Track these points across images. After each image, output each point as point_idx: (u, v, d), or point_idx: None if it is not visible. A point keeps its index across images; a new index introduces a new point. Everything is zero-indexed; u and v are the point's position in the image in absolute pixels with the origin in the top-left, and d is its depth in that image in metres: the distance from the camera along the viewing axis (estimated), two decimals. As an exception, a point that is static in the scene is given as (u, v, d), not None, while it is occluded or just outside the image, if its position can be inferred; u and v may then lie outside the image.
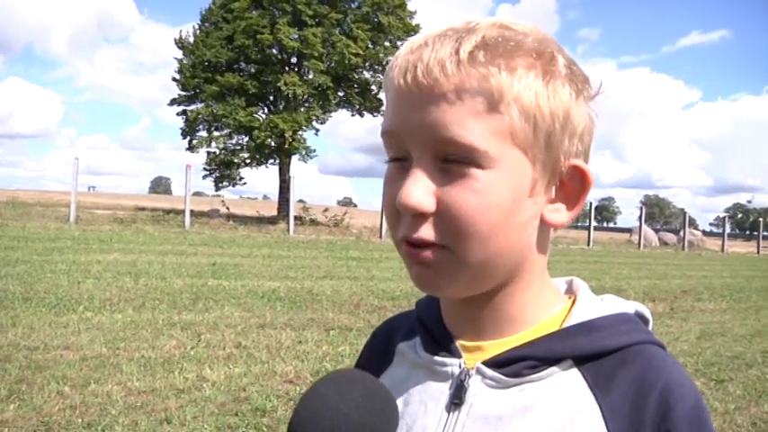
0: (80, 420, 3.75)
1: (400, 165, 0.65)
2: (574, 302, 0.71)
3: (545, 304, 0.70)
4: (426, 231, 0.62)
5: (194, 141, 26.52)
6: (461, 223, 0.61)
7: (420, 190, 0.61)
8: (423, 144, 0.62)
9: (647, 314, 0.72)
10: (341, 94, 26.99)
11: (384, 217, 0.68)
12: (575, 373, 0.66)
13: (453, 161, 0.61)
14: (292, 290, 8.87)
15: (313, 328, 6.52)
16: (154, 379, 4.56)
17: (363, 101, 26.98)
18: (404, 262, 0.67)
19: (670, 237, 33.27)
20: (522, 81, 0.60)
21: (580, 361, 0.66)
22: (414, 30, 26.10)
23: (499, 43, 0.61)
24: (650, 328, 0.72)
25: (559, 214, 0.66)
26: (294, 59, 26.03)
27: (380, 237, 20.42)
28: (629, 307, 0.72)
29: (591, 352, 0.65)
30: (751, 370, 5.94)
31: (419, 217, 0.62)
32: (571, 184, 0.66)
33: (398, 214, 0.64)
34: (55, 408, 3.89)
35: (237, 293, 8.29)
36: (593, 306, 0.70)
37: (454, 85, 0.60)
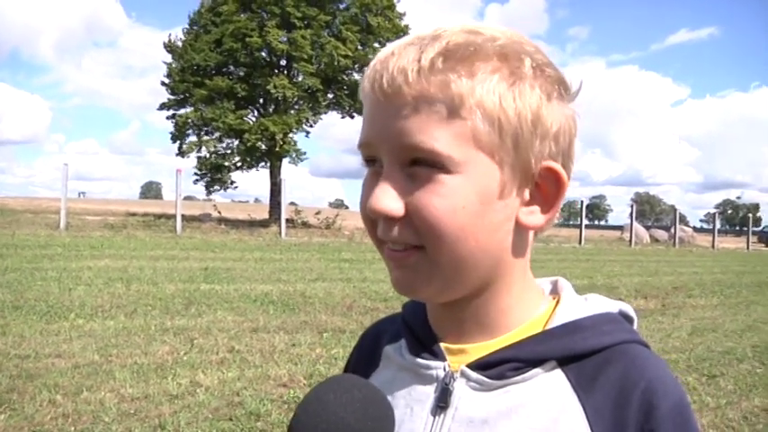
0: (73, 429, 3.73)
1: (374, 169, 0.66)
2: (557, 303, 0.71)
3: (528, 306, 0.71)
4: (397, 233, 0.64)
5: (184, 146, 26.44)
6: (429, 226, 0.62)
7: (388, 195, 0.63)
8: (390, 151, 0.63)
9: (632, 313, 0.73)
10: (330, 95, 26.98)
11: (362, 219, 0.70)
12: (558, 373, 0.66)
13: (420, 166, 0.62)
14: (285, 293, 8.86)
15: (306, 331, 6.52)
16: (147, 385, 4.55)
17: (353, 102, 26.94)
18: (386, 264, 0.68)
19: (661, 233, 33.43)
20: (484, 85, 0.61)
21: (563, 362, 0.66)
22: (403, 31, 26.11)
23: (460, 49, 0.61)
24: (635, 327, 0.72)
25: (534, 216, 0.66)
26: (283, 62, 26.02)
27: (372, 238, 20.41)
28: (613, 306, 0.72)
29: (574, 353, 0.66)
30: (742, 365, 5.98)
31: (390, 221, 0.64)
32: (546, 186, 0.66)
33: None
34: (47, 416, 3.87)
35: (230, 298, 8.28)
36: (577, 306, 0.70)
37: (416, 92, 0.61)
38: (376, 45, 26.06)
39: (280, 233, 20.21)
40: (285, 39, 24.33)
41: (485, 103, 0.61)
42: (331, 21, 25.35)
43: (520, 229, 0.67)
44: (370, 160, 0.67)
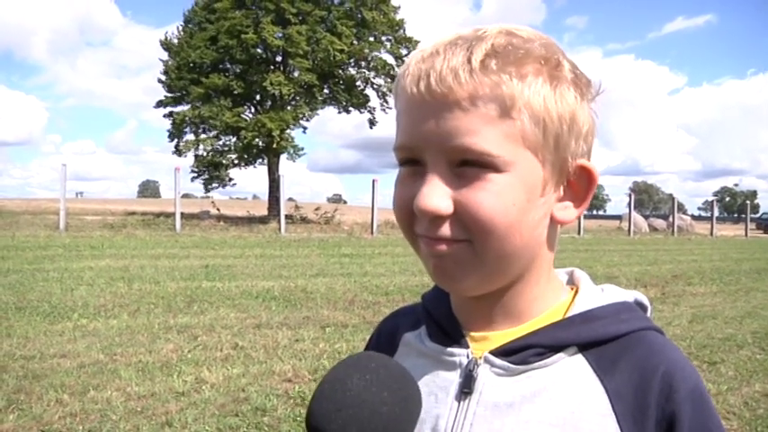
0: (81, 427, 3.76)
1: (412, 168, 0.67)
2: (576, 293, 0.75)
3: (550, 296, 0.74)
4: (446, 231, 0.65)
5: (181, 144, 26.47)
6: (481, 223, 0.63)
7: (437, 195, 0.64)
8: (438, 151, 0.64)
9: (646, 302, 0.76)
10: (327, 91, 26.97)
11: (396, 216, 0.71)
12: (579, 358, 0.69)
13: (469, 165, 0.63)
14: (286, 289, 8.89)
15: (309, 327, 6.55)
16: (153, 383, 4.58)
17: (350, 97, 26.96)
18: (421, 257, 0.70)
19: (659, 222, 33.47)
20: (531, 87, 0.63)
21: (584, 347, 0.69)
22: (398, 25, 26.13)
23: (509, 51, 0.63)
24: (649, 314, 0.75)
25: (567, 212, 0.70)
26: (279, 58, 25.98)
27: (372, 233, 20.43)
28: (629, 296, 0.75)
29: (593, 339, 0.69)
30: (742, 351, 6.02)
31: (437, 219, 0.65)
32: (578, 183, 0.69)
33: (412, 214, 0.66)
34: (55, 416, 3.91)
35: (232, 294, 8.31)
36: (595, 296, 0.73)
37: (468, 93, 0.62)
38: (371, 39, 26.06)
39: (279, 229, 20.22)
40: (280, 35, 24.29)
41: (532, 104, 0.63)
42: (326, 16, 25.31)
43: (553, 223, 0.70)
44: (406, 162, 0.68)
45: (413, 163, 0.67)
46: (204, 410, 4.08)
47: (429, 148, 0.65)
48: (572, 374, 0.68)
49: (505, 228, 0.64)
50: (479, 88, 0.62)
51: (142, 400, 4.24)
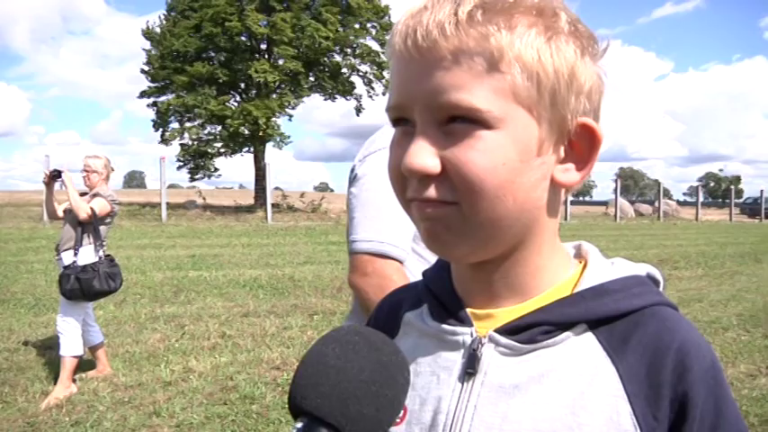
0: (67, 419, 3.73)
1: (404, 129, 0.65)
2: (585, 266, 0.70)
3: (556, 269, 0.69)
4: (433, 192, 0.62)
5: (167, 134, 26.21)
6: (468, 183, 0.60)
7: (424, 153, 0.61)
8: (425, 109, 0.61)
9: (659, 276, 0.72)
10: (312, 78, 26.78)
11: (389, 180, 0.67)
12: (589, 336, 0.65)
13: (457, 122, 0.60)
14: (274, 277, 8.87)
15: (296, 314, 6.54)
16: (140, 373, 4.55)
17: (335, 84, 26.78)
18: (414, 222, 0.67)
19: (645, 208, 33.72)
20: (523, 39, 0.59)
21: (594, 325, 0.65)
22: (383, 11, 25.96)
23: (498, 1, 0.60)
24: (661, 289, 0.71)
25: (569, 174, 0.65)
26: (264, 46, 25.74)
27: (359, 221, 20.40)
28: (641, 269, 0.71)
29: (605, 315, 0.65)
30: (727, 333, 6.09)
31: (425, 179, 0.62)
32: (580, 144, 0.65)
33: (403, 177, 0.64)
34: (41, 408, 3.87)
35: (219, 283, 8.27)
36: (605, 270, 0.69)
37: (453, 47, 0.59)
38: (356, 26, 25.90)
39: (266, 218, 20.15)
40: (265, 22, 24.06)
41: (524, 57, 0.59)
42: (310, 3, 25.08)
43: (554, 187, 0.65)
44: (399, 120, 0.65)
45: (404, 123, 0.64)
46: (192, 399, 4.06)
47: (416, 107, 0.62)
48: (581, 354, 0.64)
49: (495, 188, 0.60)
50: (465, 41, 0.59)
51: (129, 391, 4.21)
